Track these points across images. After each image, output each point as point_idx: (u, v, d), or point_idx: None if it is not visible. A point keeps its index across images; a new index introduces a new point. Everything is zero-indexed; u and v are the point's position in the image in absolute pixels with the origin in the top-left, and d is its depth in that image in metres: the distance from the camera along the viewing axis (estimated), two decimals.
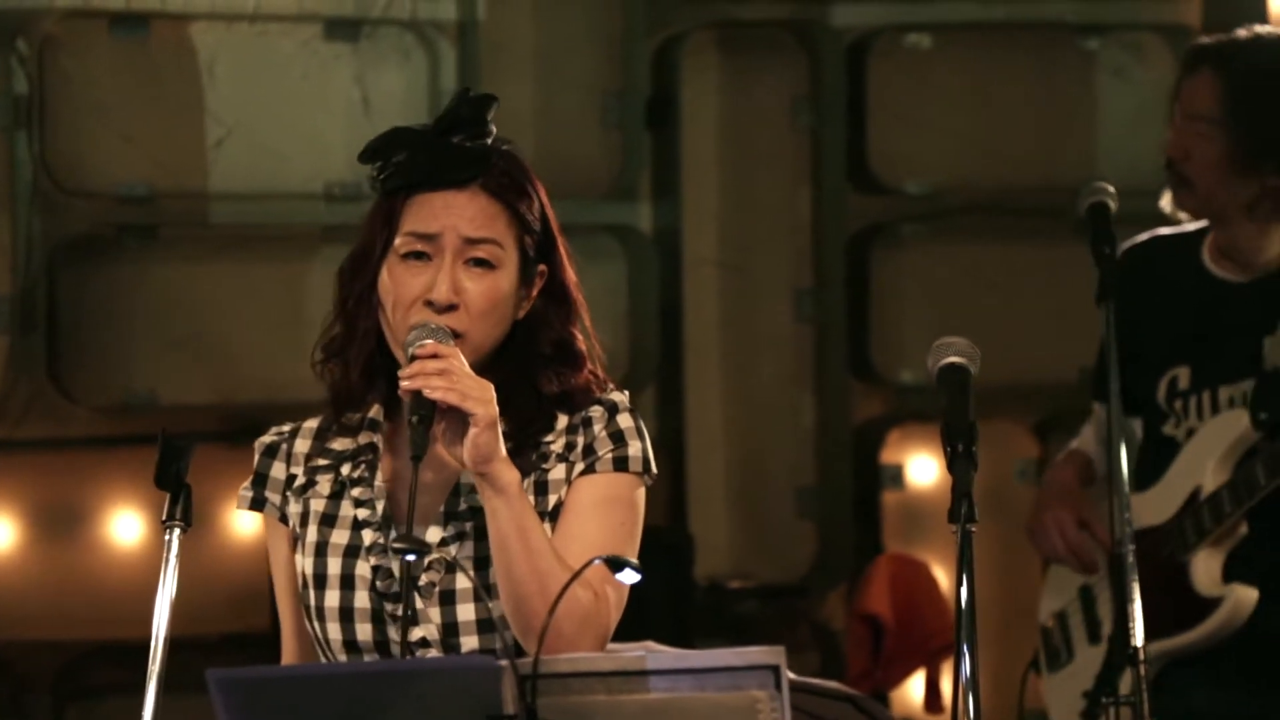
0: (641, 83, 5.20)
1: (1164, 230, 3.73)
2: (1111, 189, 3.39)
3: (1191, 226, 3.71)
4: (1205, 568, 3.53)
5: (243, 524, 4.87)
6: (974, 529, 2.39)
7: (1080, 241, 5.35)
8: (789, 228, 5.30)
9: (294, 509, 2.51)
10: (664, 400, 5.27)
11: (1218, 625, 3.50)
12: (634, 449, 2.47)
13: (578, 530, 2.43)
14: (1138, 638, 3.02)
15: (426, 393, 2.37)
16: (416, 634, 2.42)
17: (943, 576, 5.04)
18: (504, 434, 2.43)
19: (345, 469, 2.50)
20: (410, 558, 2.30)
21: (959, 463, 2.38)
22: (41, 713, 4.79)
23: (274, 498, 2.54)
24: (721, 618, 5.09)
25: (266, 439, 2.57)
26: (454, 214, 2.46)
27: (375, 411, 2.53)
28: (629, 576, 2.17)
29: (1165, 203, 3.70)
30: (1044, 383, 5.23)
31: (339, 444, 2.53)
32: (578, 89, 5.17)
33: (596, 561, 2.14)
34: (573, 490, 2.46)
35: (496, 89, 5.16)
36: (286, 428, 2.57)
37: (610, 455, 2.46)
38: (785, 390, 5.29)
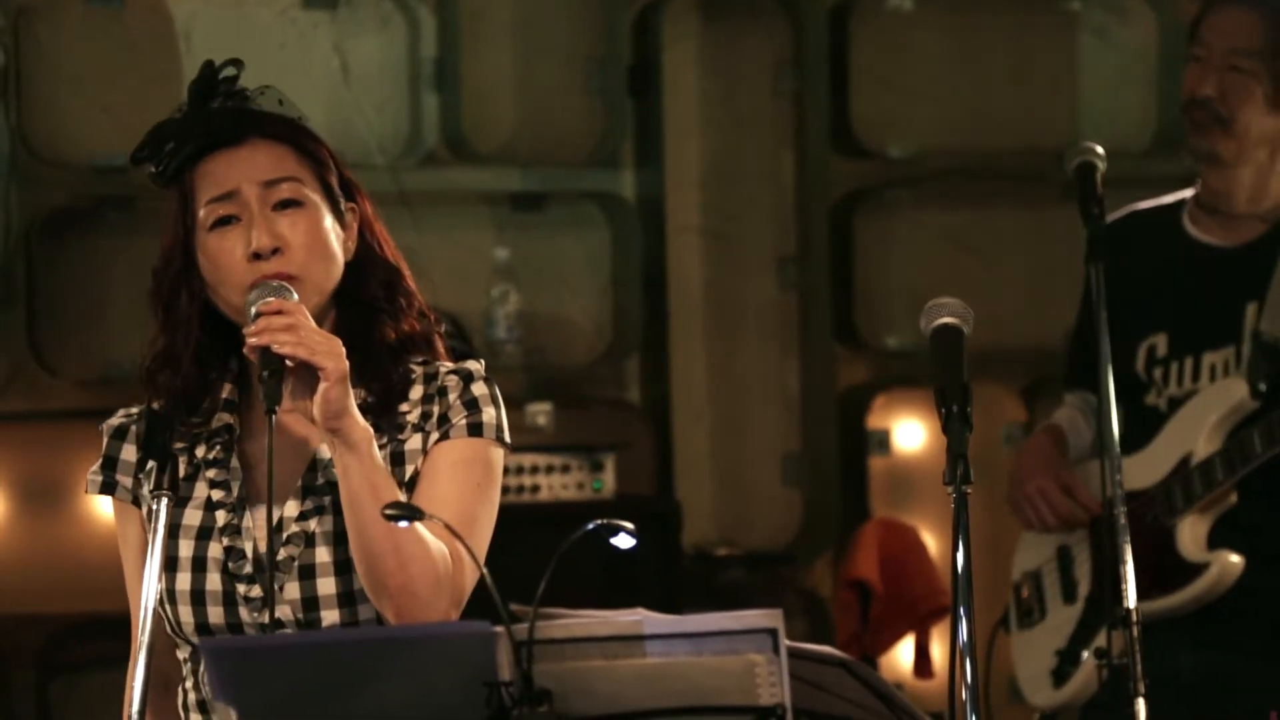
0: (623, 49, 5.17)
1: (1141, 205, 3.71)
2: (1099, 149, 3.36)
3: (1170, 198, 3.68)
4: (1192, 533, 3.52)
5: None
6: (969, 491, 2.36)
7: (1064, 205, 5.37)
8: (772, 194, 5.28)
9: (146, 491, 2.45)
10: (648, 368, 5.26)
11: (1203, 590, 3.50)
12: (488, 415, 2.45)
13: (432, 492, 2.41)
14: (1130, 599, 3.01)
15: (275, 348, 2.33)
16: (270, 616, 2.39)
17: (931, 541, 5.04)
18: (367, 401, 2.41)
19: (199, 450, 2.48)
20: (403, 524, 2.27)
21: (953, 424, 2.35)
22: (25, 687, 4.77)
23: (125, 480, 2.51)
24: (708, 586, 5.08)
25: (114, 421, 2.54)
26: (242, 166, 2.43)
27: (229, 391, 2.49)
28: (624, 541, 2.15)
29: (1191, 144, 3.61)
30: (1030, 346, 5.22)
31: (193, 427, 2.49)
32: (559, 56, 5.14)
33: (593, 525, 2.12)
34: (429, 457, 2.44)
35: (476, 56, 5.18)
36: (135, 409, 2.53)
37: (465, 421, 2.44)
38: (770, 357, 5.28)
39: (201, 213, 2.45)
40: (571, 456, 4.81)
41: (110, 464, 2.53)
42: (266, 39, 4.99)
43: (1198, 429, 3.53)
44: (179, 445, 2.47)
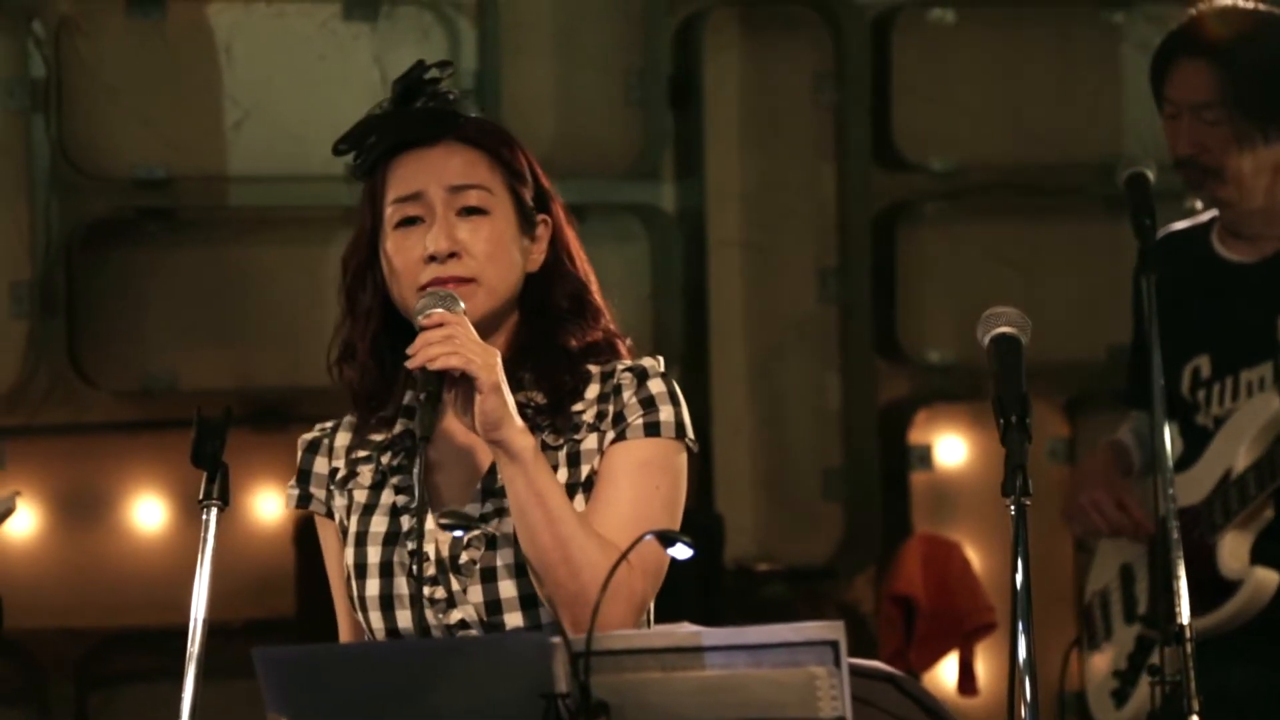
0: (663, 61, 5.15)
1: (1176, 225, 3.70)
2: (1150, 161, 3.34)
3: (1204, 216, 3.67)
4: (1231, 549, 3.50)
5: (266, 509, 4.83)
6: (1028, 503, 2.33)
7: (1106, 219, 5.36)
8: (813, 206, 5.26)
9: (339, 502, 2.48)
10: (689, 382, 5.22)
11: (1237, 608, 3.48)
12: (665, 414, 2.42)
13: (609, 496, 2.38)
14: (1184, 615, 2.98)
15: (429, 365, 2.33)
16: (455, 616, 2.38)
17: (974, 557, 5.00)
18: (538, 400, 2.40)
19: (385, 458, 2.47)
20: (458, 533, 2.25)
21: (1013, 435, 2.33)
22: (63, 701, 4.76)
23: (318, 493, 2.50)
24: (749, 600, 5.05)
25: (309, 435, 2.54)
26: (433, 169, 2.44)
27: (409, 399, 2.48)
28: (681, 551, 2.12)
29: (1198, 203, 3.65)
30: (1072, 361, 5.19)
31: (378, 434, 2.49)
32: (599, 68, 5.13)
33: (647, 537, 2.09)
34: (605, 459, 2.41)
35: (516, 68, 5.17)
36: (329, 423, 2.54)
37: (641, 421, 2.42)
38: (810, 371, 5.25)
39: (388, 210, 2.46)
40: None
41: (304, 477, 2.52)
42: (307, 50, 4.99)
43: (1237, 445, 3.52)
44: (363, 454, 2.47)
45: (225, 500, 2.38)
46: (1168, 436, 3.08)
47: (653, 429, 2.41)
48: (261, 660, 1.99)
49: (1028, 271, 5.30)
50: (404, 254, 2.42)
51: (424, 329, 2.36)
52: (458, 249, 2.41)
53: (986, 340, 2.43)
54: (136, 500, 4.83)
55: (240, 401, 4.81)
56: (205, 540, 2.34)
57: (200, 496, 2.37)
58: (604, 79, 5.13)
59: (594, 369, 2.45)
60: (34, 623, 4.53)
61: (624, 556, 2.18)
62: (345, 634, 2.50)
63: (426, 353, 2.33)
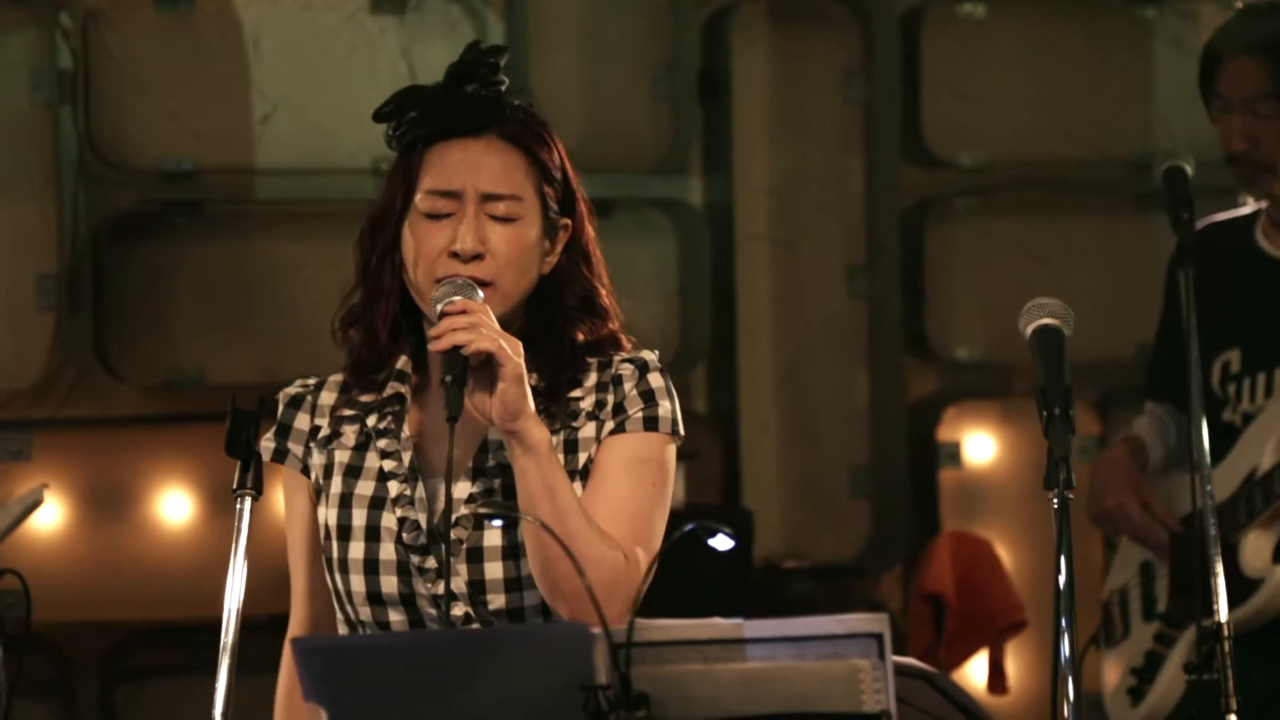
0: (692, 55, 5.13)
1: (1216, 216, 3.67)
2: (1188, 155, 3.31)
3: (1245, 209, 3.65)
4: (1254, 548, 3.48)
5: None
6: (1072, 496, 2.30)
7: (1137, 215, 5.33)
8: (842, 202, 5.24)
9: (316, 460, 2.48)
10: (716, 378, 5.21)
11: (1258, 607, 3.46)
12: (664, 409, 2.43)
13: (607, 490, 2.39)
14: (1223, 612, 2.95)
15: (463, 349, 2.33)
16: (444, 587, 2.38)
17: (1003, 555, 4.98)
18: (534, 384, 2.40)
19: (371, 420, 2.47)
20: (496, 523, 2.23)
21: (1056, 427, 2.30)
22: (89, 695, 4.75)
23: (296, 449, 2.50)
24: (776, 598, 5.02)
25: (291, 390, 2.54)
26: (472, 168, 2.43)
27: (403, 363, 2.49)
28: (723, 543, 2.10)
29: (1248, 199, 3.62)
30: (1102, 358, 5.16)
31: (365, 395, 2.49)
32: (627, 61, 5.11)
33: (688, 527, 2.07)
34: (602, 449, 2.42)
35: (544, 62, 5.15)
36: (312, 380, 2.54)
37: (641, 414, 2.43)
38: (838, 367, 5.23)
39: (419, 197, 2.45)
40: None
41: (284, 431, 2.52)
42: (334, 43, 4.97)
43: (1264, 443, 3.50)
44: (349, 413, 2.47)
45: (259, 490, 2.37)
46: (1205, 430, 3.04)
47: (651, 423, 2.43)
48: (300, 650, 1.98)
49: (1057, 268, 5.27)
50: (429, 243, 2.42)
51: (446, 314, 2.36)
52: (483, 250, 2.41)
53: (1029, 331, 2.40)
54: (163, 494, 4.82)
55: (266, 396, 4.80)
56: (239, 530, 2.33)
57: (234, 486, 2.36)
58: (632, 73, 5.11)
59: (591, 359, 2.46)
60: (60, 616, 4.52)
61: (661, 550, 2.15)
62: (300, 593, 2.50)
63: (454, 337, 2.34)
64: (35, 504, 3.37)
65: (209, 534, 4.78)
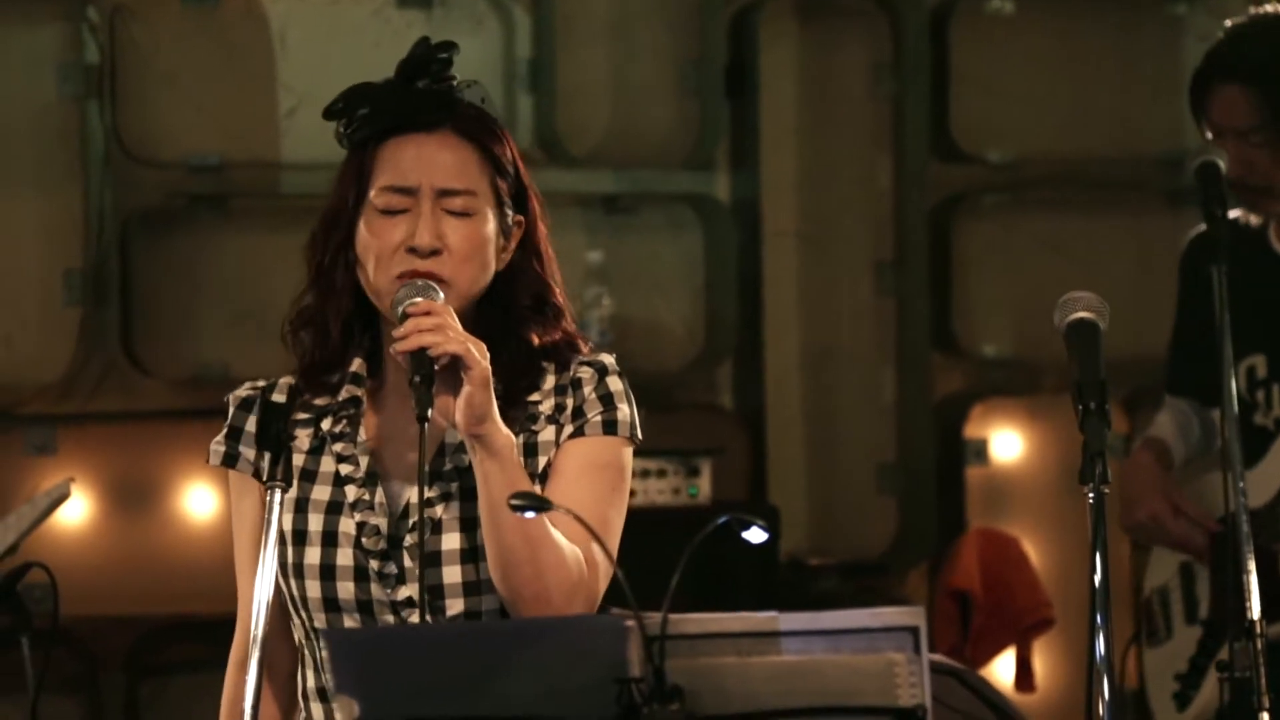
0: (719, 50, 5.11)
1: (1231, 214, 3.64)
2: (1221, 150, 3.29)
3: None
4: None
5: None
6: (1108, 491, 2.27)
7: (1166, 212, 5.30)
8: (869, 198, 5.22)
9: (266, 465, 2.42)
10: (742, 374, 5.19)
11: None
12: (623, 413, 2.43)
13: (567, 494, 2.37)
14: (1254, 610, 2.92)
15: (430, 351, 2.31)
16: (403, 593, 2.37)
17: (1029, 553, 4.96)
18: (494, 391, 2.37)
19: (326, 423, 2.44)
20: (529, 514, 2.21)
21: (1092, 421, 2.27)
22: (114, 689, 4.74)
23: (248, 453, 2.47)
24: (801, 595, 5.00)
25: (241, 392, 2.52)
26: (427, 163, 2.40)
27: (357, 365, 2.46)
28: (756, 535, 2.08)
29: (1253, 220, 3.61)
30: (1130, 356, 5.11)
31: (319, 399, 2.46)
32: (654, 57, 5.09)
33: (723, 519, 2.05)
34: (561, 454, 2.41)
35: (571, 57, 5.13)
36: (262, 382, 2.51)
37: (600, 418, 2.42)
38: (865, 364, 5.21)
39: (373, 193, 2.43)
40: (667, 461, 4.75)
41: (235, 435, 2.50)
42: (360, 38, 4.96)
43: None
44: (303, 416, 2.45)
45: (289, 482, 2.35)
46: (1236, 427, 3.02)
47: (611, 427, 2.42)
48: (331, 642, 1.96)
49: (1086, 265, 5.24)
50: (385, 238, 2.39)
51: (410, 315, 2.34)
52: (441, 246, 2.39)
53: (1064, 325, 2.38)
54: (188, 488, 4.82)
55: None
56: (269, 522, 2.32)
57: (264, 478, 2.35)
58: (659, 68, 5.09)
59: (549, 364, 2.45)
60: (85, 610, 4.51)
61: (694, 545, 2.13)
62: (246, 600, 2.44)
63: (420, 338, 2.31)
64: (62, 498, 3.36)
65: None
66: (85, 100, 4.79)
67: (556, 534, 2.34)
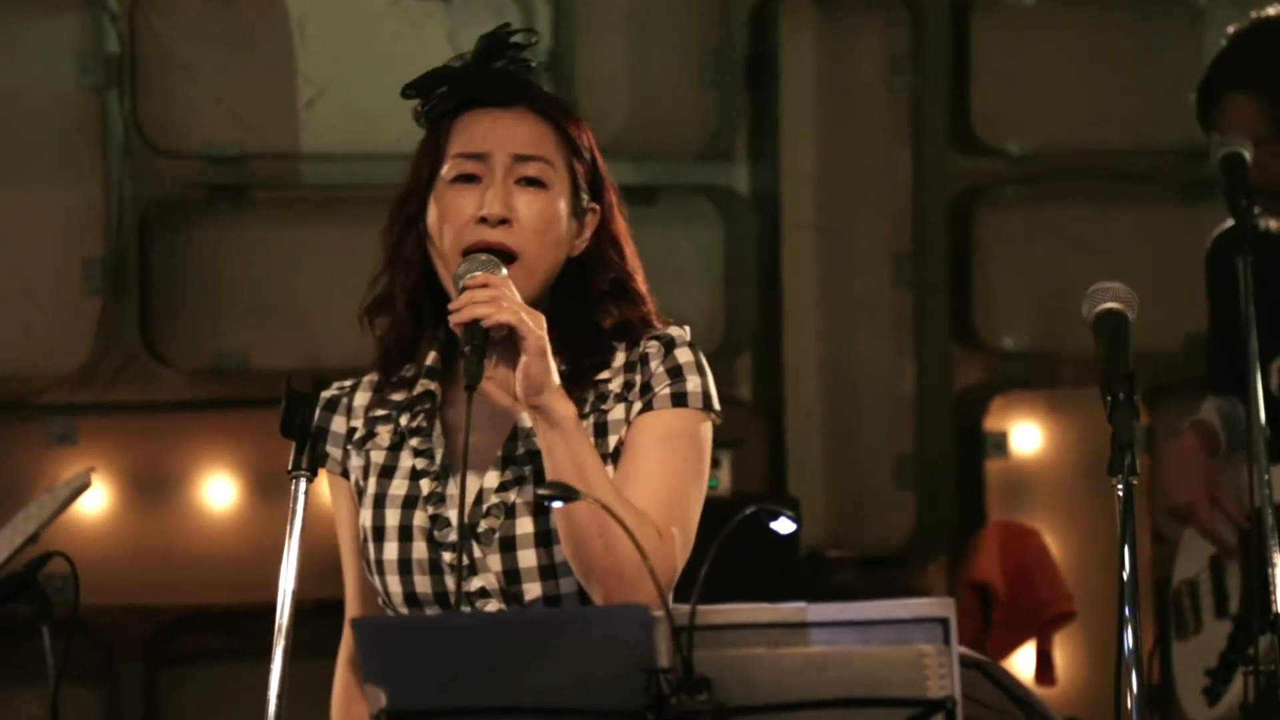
0: (739, 41, 5.10)
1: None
2: (1246, 141, 3.27)
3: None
4: None
5: None
6: (1136, 482, 2.26)
7: (1185, 205, 5.28)
8: (889, 190, 5.20)
9: (355, 462, 2.45)
10: (761, 366, 5.18)
11: None
12: (692, 384, 2.39)
13: (639, 468, 2.35)
14: (1279, 603, 2.91)
15: (483, 322, 2.29)
16: (476, 584, 2.36)
17: (1049, 545, 4.94)
18: (559, 368, 2.36)
19: (404, 419, 2.44)
20: (556, 504, 2.20)
21: (1120, 412, 2.26)
22: (133, 679, 4.74)
23: (334, 452, 2.47)
24: (819, 587, 4.99)
25: (327, 393, 2.52)
26: (501, 133, 2.40)
27: (432, 359, 2.45)
28: (784, 525, 2.07)
29: (1273, 224, 3.59)
30: (1150, 350, 5.10)
31: (397, 394, 2.46)
32: (673, 48, 5.08)
33: (749, 510, 2.04)
34: (633, 429, 2.38)
35: (591, 48, 5.12)
36: (348, 382, 2.51)
37: (668, 391, 2.38)
38: (885, 356, 5.20)
39: (447, 165, 2.42)
40: None
41: (321, 435, 2.48)
42: (379, 28, 4.96)
43: None
44: (382, 413, 2.44)
45: (314, 471, 2.35)
46: (1263, 418, 3.00)
47: (680, 399, 2.38)
48: (360, 631, 1.96)
49: (1106, 257, 5.23)
50: (456, 209, 2.39)
51: (468, 288, 2.32)
52: (511, 216, 2.37)
53: (1092, 315, 2.37)
54: (207, 479, 4.81)
55: (310, 382, 4.78)
56: (294, 511, 2.32)
57: (289, 467, 2.34)
58: (679, 59, 5.08)
59: (620, 343, 2.42)
60: (104, 600, 4.52)
61: (723, 535, 2.13)
62: (352, 596, 2.47)
63: (474, 310, 2.30)
64: (82, 487, 3.35)
65: (253, 519, 4.77)
66: (105, 90, 4.79)
67: (628, 505, 2.30)
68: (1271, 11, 3.61)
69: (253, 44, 4.90)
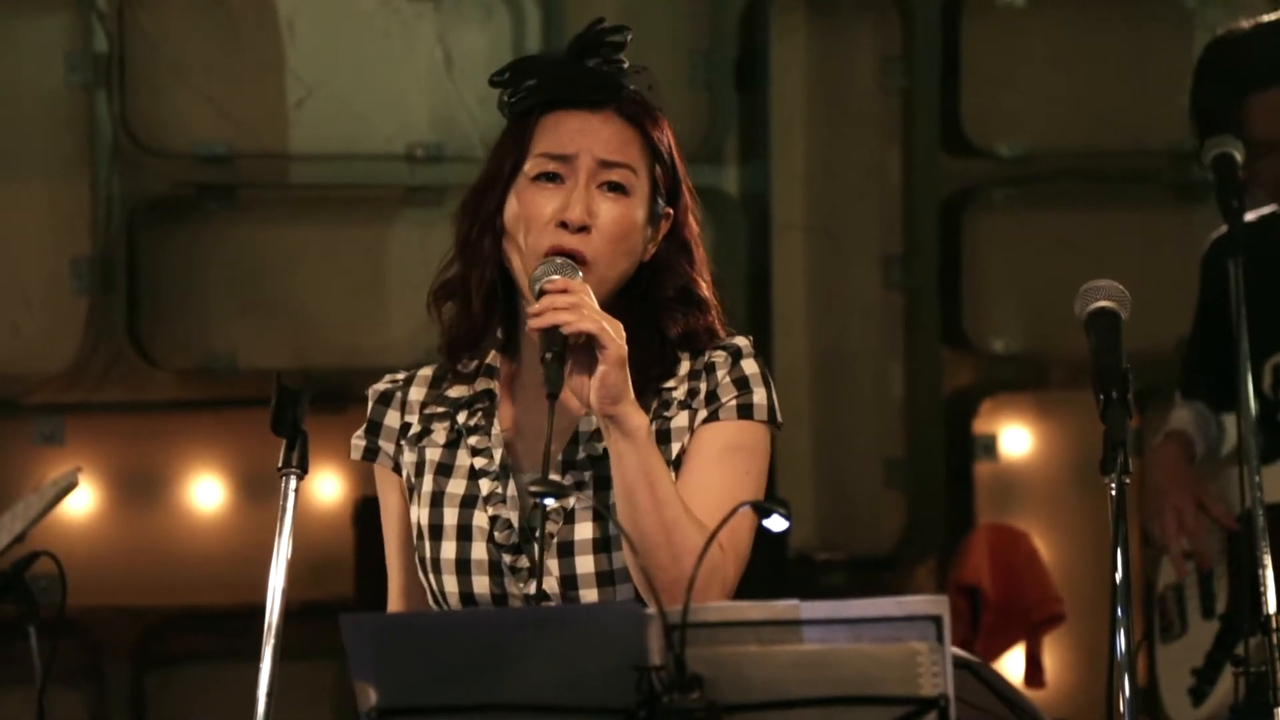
0: (729, 42, 5.09)
1: (1250, 215, 3.61)
2: (1237, 142, 3.26)
3: (1272, 207, 3.60)
4: None
5: (325, 490, 4.79)
6: (1129, 482, 2.25)
7: (1176, 207, 5.28)
8: (879, 191, 5.20)
9: (408, 458, 2.43)
10: None
11: None
12: (759, 396, 2.39)
13: (702, 479, 2.35)
14: (1270, 605, 2.91)
15: (563, 329, 2.28)
16: (535, 587, 2.34)
17: (1038, 548, 4.94)
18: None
19: (461, 416, 2.42)
20: (550, 502, 2.19)
21: (1113, 411, 2.26)
22: (120, 680, 4.73)
23: (388, 446, 2.45)
24: (808, 590, 4.99)
25: (381, 386, 2.48)
26: (589, 136, 2.38)
27: (492, 358, 2.44)
28: (777, 523, 2.07)
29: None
30: (1141, 352, 5.07)
31: (455, 391, 2.44)
32: (664, 49, 5.07)
33: (744, 507, 2.04)
34: (696, 438, 2.37)
35: None
36: (401, 375, 2.48)
37: (735, 402, 2.38)
38: (874, 358, 5.19)
39: (530, 162, 2.40)
40: None
41: (374, 429, 2.47)
42: (369, 28, 4.95)
43: None
44: (439, 410, 2.43)
45: (304, 468, 2.34)
46: (1253, 422, 3.00)
47: (746, 411, 2.37)
48: (349, 628, 1.95)
49: (1096, 259, 5.22)
50: (535, 208, 2.37)
51: (546, 292, 2.31)
52: (591, 223, 2.36)
53: (1085, 314, 2.36)
54: (195, 479, 4.80)
55: (299, 382, 4.77)
56: (284, 509, 2.30)
57: (279, 465, 2.33)
58: (669, 60, 5.07)
59: (684, 352, 2.41)
60: (91, 601, 4.50)
61: (715, 533, 2.12)
62: (396, 592, 2.45)
63: (555, 316, 2.29)
64: (69, 487, 3.34)
65: (241, 520, 4.76)
66: (94, 89, 4.77)
67: (692, 518, 2.30)
68: (1270, 17, 3.60)
69: (242, 43, 4.89)
